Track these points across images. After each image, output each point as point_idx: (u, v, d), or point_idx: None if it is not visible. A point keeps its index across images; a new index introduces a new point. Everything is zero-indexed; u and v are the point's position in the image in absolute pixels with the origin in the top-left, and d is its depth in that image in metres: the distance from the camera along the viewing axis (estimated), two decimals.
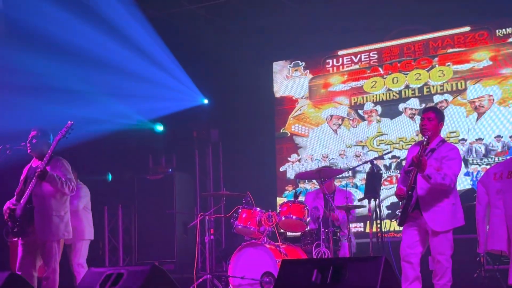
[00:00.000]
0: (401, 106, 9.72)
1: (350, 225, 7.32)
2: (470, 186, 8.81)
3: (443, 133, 9.11)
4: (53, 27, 8.91)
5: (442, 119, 5.99)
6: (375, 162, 7.29)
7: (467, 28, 9.36)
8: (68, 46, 9.12)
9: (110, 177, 10.81)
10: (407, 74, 9.71)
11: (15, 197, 6.22)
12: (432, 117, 5.84)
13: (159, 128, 11.00)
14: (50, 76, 9.14)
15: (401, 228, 5.98)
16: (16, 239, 6.23)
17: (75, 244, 7.67)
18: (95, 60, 9.26)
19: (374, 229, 6.93)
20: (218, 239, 10.54)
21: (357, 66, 10.12)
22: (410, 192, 5.73)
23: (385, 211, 9.04)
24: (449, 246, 5.72)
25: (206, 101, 10.99)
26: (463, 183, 8.94)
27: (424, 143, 5.69)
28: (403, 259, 5.80)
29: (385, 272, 3.87)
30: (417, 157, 5.54)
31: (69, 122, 6.16)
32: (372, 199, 6.92)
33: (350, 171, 9.74)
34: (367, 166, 8.93)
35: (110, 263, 10.61)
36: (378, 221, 6.82)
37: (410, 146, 6.41)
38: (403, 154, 9.47)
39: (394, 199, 8.90)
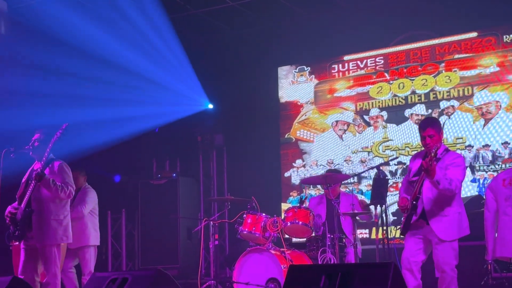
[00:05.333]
0: (407, 112, 9.65)
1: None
2: (477, 193, 8.74)
3: (450, 139, 9.08)
4: (55, 24, 8.91)
5: (441, 128, 5.94)
6: (381, 168, 7.23)
7: (474, 34, 9.29)
8: (71, 46, 9.10)
9: (118, 178, 10.73)
10: (413, 79, 9.64)
11: (16, 201, 6.19)
12: (432, 134, 5.77)
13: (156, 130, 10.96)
14: (53, 79, 9.15)
15: None
16: (17, 243, 6.19)
17: (84, 253, 7.56)
18: (100, 63, 9.23)
19: (380, 236, 6.86)
20: (222, 244, 10.46)
21: (363, 72, 10.05)
22: (414, 202, 5.68)
23: (391, 217, 8.99)
24: (454, 256, 5.68)
25: (211, 106, 10.94)
26: (470, 190, 8.86)
27: (433, 154, 5.61)
28: (404, 267, 5.78)
29: (394, 278, 3.81)
30: (426, 163, 5.48)
31: (64, 124, 6.12)
32: (378, 205, 6.86)
33: (356, 177, 9.67)
34: (373, 172, 8.91)
35: (113, 268, 10.55)
36: (384, 228, 6.76)
37: (413, 154, 6.34)
38: (409, 160, 9.37)
39: None
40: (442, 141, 5.96)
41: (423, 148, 5.99)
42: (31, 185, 6.04)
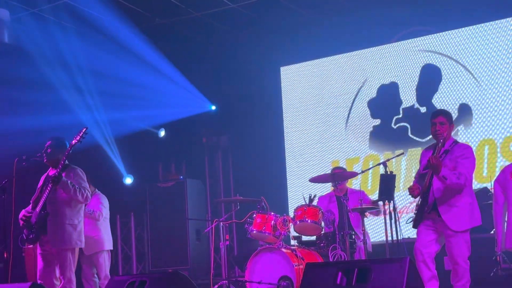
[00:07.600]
0: None
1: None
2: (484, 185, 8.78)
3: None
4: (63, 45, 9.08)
5: (452, 121, 6.00)
6: (387, 164, 7.26)
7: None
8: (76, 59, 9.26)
9: (128, 179, 10.75)
10: None
11: (31, 205, 6.27)
12: (443, 121, 5.84)
13: (162, 133, 10.99)
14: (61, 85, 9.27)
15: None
16: (31, 246, 6.26)
17: (98, 258, 7.66)
18: (106, 70, 9.36)
19: (389, 231, 6.90)
20: (230, 245, 10.53)
21: None
22: (425, 194, 5.73)
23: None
24: (466, 248, 5.72)
25: (213, 107, 10.99)
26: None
27: (440, 144, 5.69)
28: (417, 258, 5.80)
29: (410, 273, 3.89)
30: (433, 158, 5.55)
31: (83, 128, 6.20)
32: (387, 201, 6.89)
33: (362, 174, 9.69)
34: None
35: (123, 271, 10.63)
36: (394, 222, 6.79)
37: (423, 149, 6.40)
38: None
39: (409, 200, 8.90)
40: (451, 134, 6.01)
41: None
42: (47, 188, 6.10)
